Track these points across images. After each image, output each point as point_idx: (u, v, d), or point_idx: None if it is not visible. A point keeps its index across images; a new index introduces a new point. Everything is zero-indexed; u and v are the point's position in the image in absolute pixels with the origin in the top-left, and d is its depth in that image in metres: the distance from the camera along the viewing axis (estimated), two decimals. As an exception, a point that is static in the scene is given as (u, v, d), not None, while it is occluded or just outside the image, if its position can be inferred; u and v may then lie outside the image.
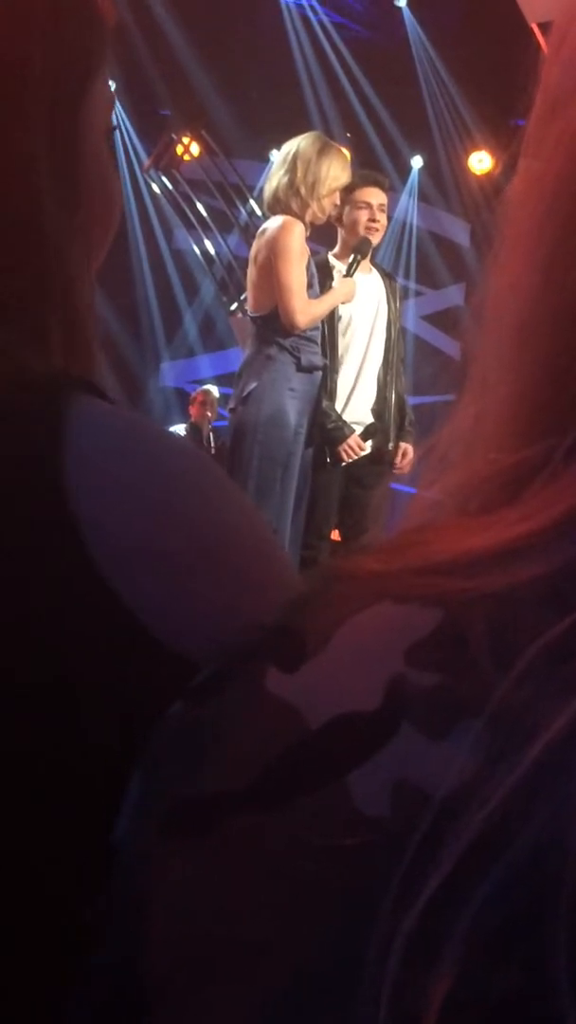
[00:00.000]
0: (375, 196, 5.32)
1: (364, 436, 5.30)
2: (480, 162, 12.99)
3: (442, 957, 0.37)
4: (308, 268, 4.94)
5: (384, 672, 0.42)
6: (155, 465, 0.76)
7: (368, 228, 5.29)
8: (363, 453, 5.29)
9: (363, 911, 0.39)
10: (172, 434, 0.79)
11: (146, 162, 12.96)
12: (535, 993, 0.36)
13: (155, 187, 13.32)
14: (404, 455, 5.42)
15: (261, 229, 5.05)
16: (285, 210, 4.90)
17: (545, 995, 0.36)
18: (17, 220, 0.81)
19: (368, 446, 5.31)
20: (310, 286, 4.95)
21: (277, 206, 4.94)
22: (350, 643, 0.44)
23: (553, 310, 0.48)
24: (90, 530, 0.71)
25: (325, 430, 5.22)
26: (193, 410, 11.11)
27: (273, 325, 4.94)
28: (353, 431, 5.26)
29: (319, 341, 5.08)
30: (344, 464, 5.27)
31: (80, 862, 0.59)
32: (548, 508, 0.45)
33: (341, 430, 5.23)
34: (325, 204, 4.93)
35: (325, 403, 5.19)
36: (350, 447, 5.21)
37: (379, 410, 5.36)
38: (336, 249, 5.43)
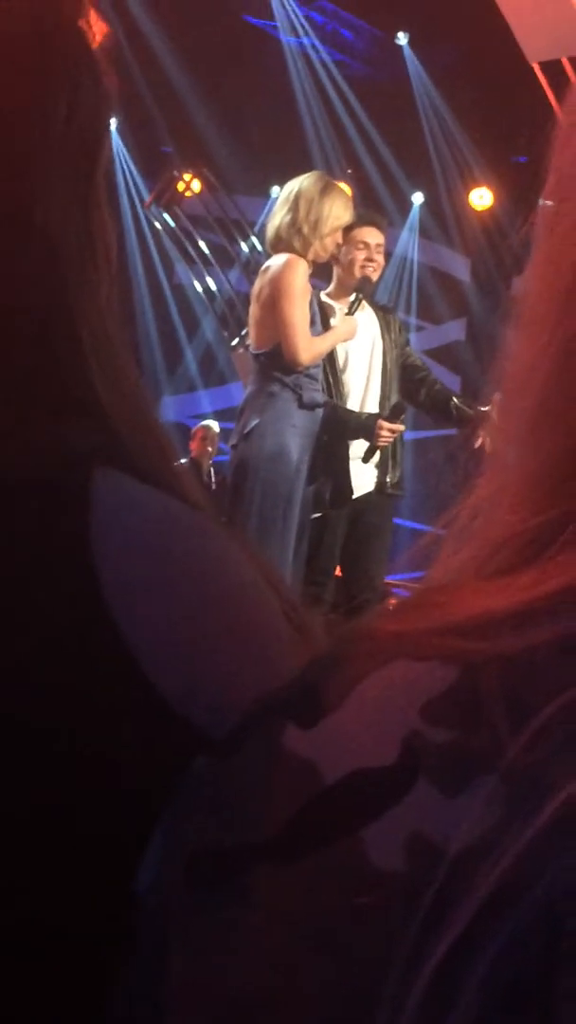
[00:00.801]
0: (373, 236, 5.37)
1: (393, 416, 5.33)
2: (481, 198, 13.08)
3: (455, 1012, 0.37)
4: (311, 306, 4.98)
5: (400, 728, 0.43)
6: (179, 552, 0.79)
7: (365, 267, 5.33)
8: (401, 428, 5.33)
9: (377, 966, 0.39)
10: (194, 514, 0.81)
11: (148, 198, 13.04)
12: None
13: (156, 223, 13.40)
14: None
15: (264, 267, 5.10)
16: (288, 248, 4.94)
17: None
18: (38, 286, 0.81)
19: (403, 424, 5.36)
20: (312, 323, 4.98)
21: (280, 244, 4.98)
22: (366, 699, 0.45)
23: (569, 392, 0.49)
24: (117, 609, 0.73)
25: (356, 427, 5.25)
26: (193, 445, 11.14)
27: (276, 362, 4.97)
28: (380, 416, 5.30)
29: (320, 379, 5.10)
30: (353, 497, 5.29)
31: (102, 914, 0.60)
32: (565, 571, 0.45)
33: (372, 418, 5.27)
34: (327, 243, 4.98)
35: (340, 407, 5.22)
36: (388, 429, 5.24)
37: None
38: (330, 288, 5.47)
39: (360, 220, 5.36)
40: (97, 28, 0.89)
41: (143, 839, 0.50)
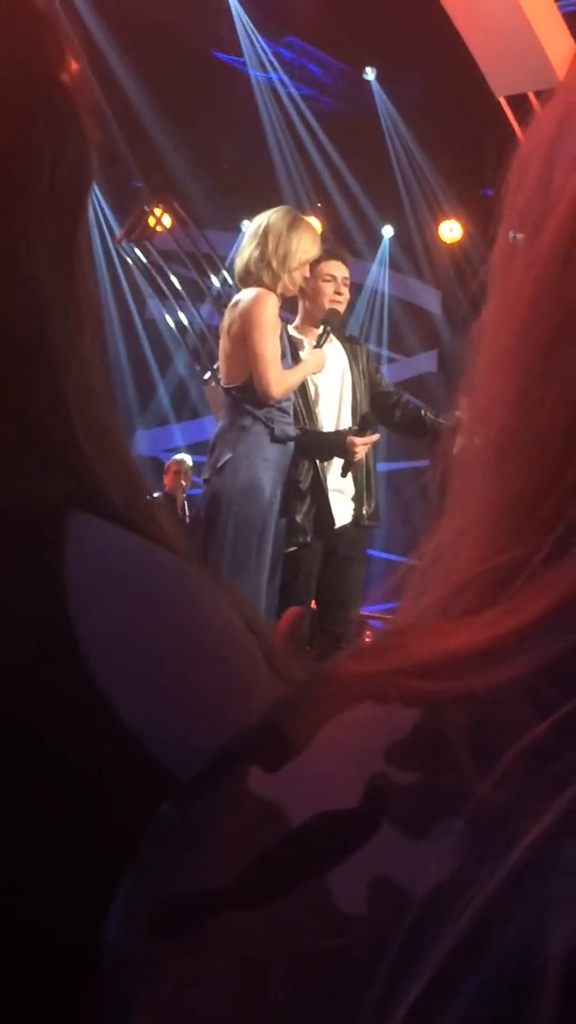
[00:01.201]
0: (339, 269, 5.40)
1: (362, 429, 5.36)
2: (450, 231, 13.17)
3: None
4: (281, 339, 4.99)
5: (364, 770, 0.43)
6: (152, 595, 0.77)
7: (333, 300, 5.36)
8: (375, 438, 5.36)
9: (345, 1011, 0.39)
10: (173, 557, 0.81)
11: (118, 233, 13.07)
12: None
13: (128, 258, 13.43)
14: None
15: (234, 301, 5.10)
16: (257, 282, 4.95)
17: None
18: (24, 343, 0.81)
19: (374, 437, 5.38)
20: (283, 357, 4.99)
21: (249, 279, 4.99)
22: (331, 742, 0.45)
23: (530, 431, 0.50)
24: (92, 656, 0.72)
25: (327, 447, 5.28)
26: (167, 480, 11.14)
27: (247, 396, 4.97)
28: (351, 432, 5.32)
29: (292, 412, 5.12)
30: (329, 531, 5.31)
31: (69, 965, 0.59)
32: (526, 609, 0.45)
33: (343, 435, 5.30)
34: (296, 276, 4.99)
35: (310, 431, 5.26)
36: (361, 443, 5.26)
37: (356, 475, 5.40)
38: (296, 321, 5.49)
39: (326, 254, 5.39)
40: (81, 81, 0.89)
41: (107, 884, 0.49)
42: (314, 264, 5.22)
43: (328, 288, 5.34)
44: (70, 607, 0.73)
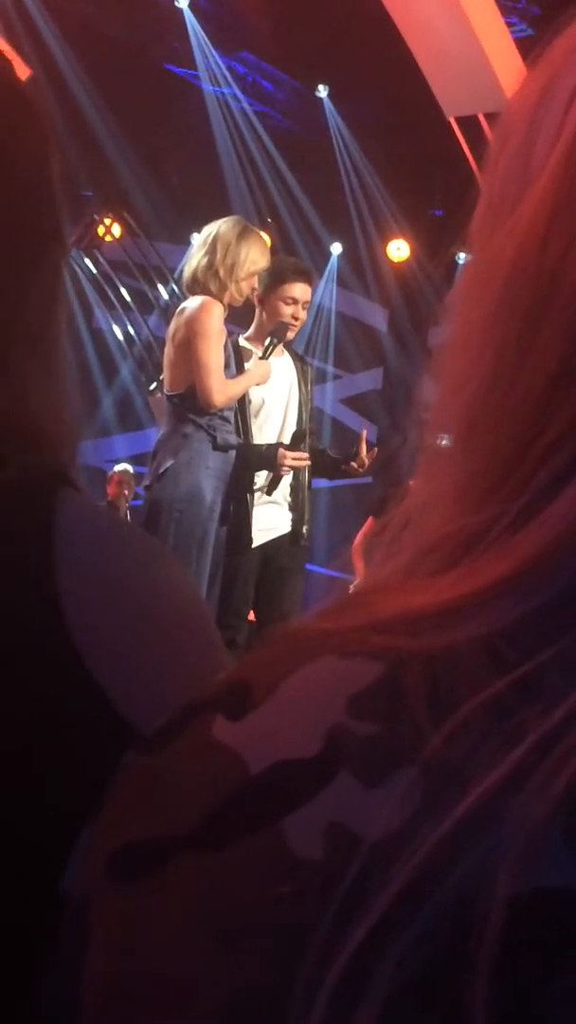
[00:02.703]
0: (302, 292, 5.33)
1: (294, 444, 5.31)
2: (398, 250, 13.22)
3: (368, 998, 0.38)
4: (225, 348, 4.98)
5: (325, 721, 0.44)
6: (138, 569, 0.81)
7: (291, 323, 5.31)
8: (303, 456, 5.30)
9: (293, 953, 0.40)
10: (144, 534, 0.85)
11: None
12: None
13: (76, 267, 13.37)
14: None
15: (180, 308, 5.09)
16: (204, 291, 4.95)
17: None
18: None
19: (304, 455, 5.32)
20: (227, 366, 4.99)
21: (196, 287, 4.99)
22: (294, 693, 0.46)
23: (501, 402, 0.50)
24: (79, 632, 0.74)
25: (256, 459, 5.23)
26: (111, 489, 11.08)
27: (189, 404, 4.96)
28: (282, 446, 5.27)
29: (233, 421, 5.11)
30: (259, 545, 5.29)
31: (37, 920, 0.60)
32: (488, 570, 0.47)
33: (273, 449, 5.25)
34: (243, 286, 4.99)
35: (241, 442, 5.22)
36: (290, 459, 5.22)
37: (295, 488, 5.39)
38: (250, 332, 5.45)
39: (293, 276, 5.34)
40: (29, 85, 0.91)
41: (72, 837, 0.50)
42: (280, 280, 5.21)
43: (286, 310, 5.28)
44: (56, 568, 0.75)
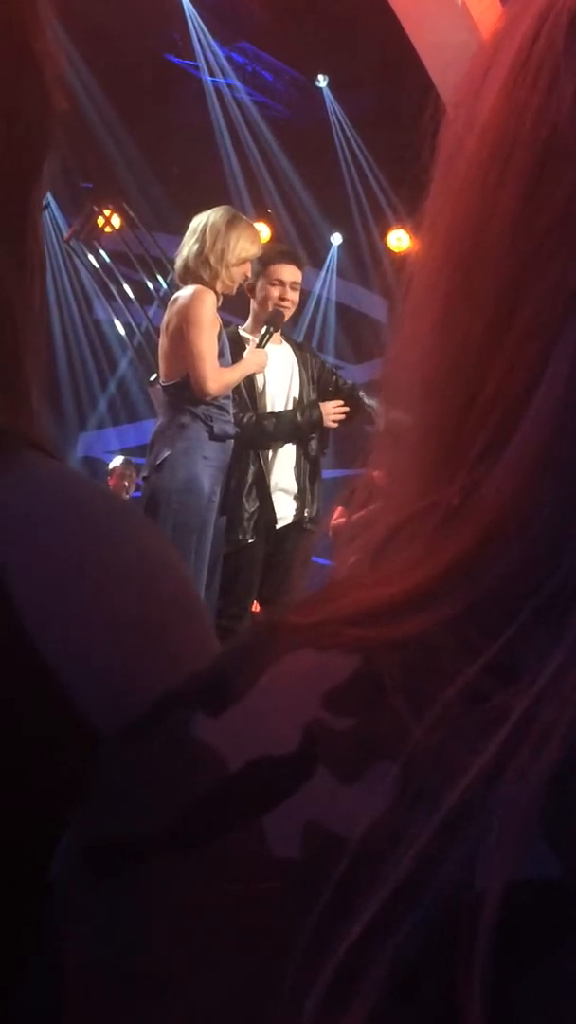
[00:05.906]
0: (289, 273, 5.41)
1: (322, 399, 5.45)
2: (398, 240, 13.19)
3: (360, 996, 0.38)
4: (219, 337, 5.00)
5: (302, 716, 0.44)
6: (93, 536, 0.75)
7: (278, 304, 5.37)
8: (342, 410, 5.43)
9: (275, 952, 0.40)
10: (105, 491, 0.79)
11: (66, 232, 13.00)
12: None
13: (76, 258, 13.37)
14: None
15: (173, 298, 5.13)
16: (195, 279, 4.98)
17: None
18: None
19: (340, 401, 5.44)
20: (221, 355, 5.01)
21: (188, 276, 5.02)
22: (271, 688, 0.46)
23: (451, 361, 0.50)
24: (30, 614, 0.70)
25: (285, 425, 5.34)
26: (112, 481, 11.09)
27: (185, 393, 4.98)
28: (312, 403, 5.40)
29: (231, 409, 5.12)
30: (269, 531, 5.32)
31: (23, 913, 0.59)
32: (442, 553, 0.47)
33: (290, 413, 5.37)
34: (234, 274, 5.01)
35: (260, 415, 5.29)
36: (333, 410, 5.34)
37: (299, 475, 5.41)
38: (247, 323, 5.51)
39: (279, 257, 5.42)
40: (53, 50, 0.88)
41: (55, 836, 0.49)
42: (265, 265, 5.25)
43: (274, 292, 5.36)
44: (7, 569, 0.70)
